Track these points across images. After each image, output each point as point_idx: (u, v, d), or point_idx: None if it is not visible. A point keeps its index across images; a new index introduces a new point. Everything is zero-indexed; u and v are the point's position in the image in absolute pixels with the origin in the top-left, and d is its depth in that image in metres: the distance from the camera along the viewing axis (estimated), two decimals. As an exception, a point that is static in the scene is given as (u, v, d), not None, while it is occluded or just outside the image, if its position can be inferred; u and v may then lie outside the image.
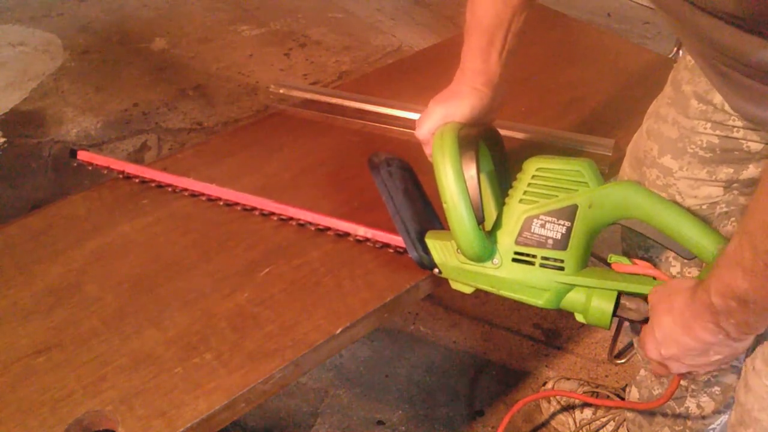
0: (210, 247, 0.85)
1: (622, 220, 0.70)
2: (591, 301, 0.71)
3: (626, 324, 0.88)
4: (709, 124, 0.76)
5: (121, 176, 0.94)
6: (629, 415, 1.12)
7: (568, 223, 0.70)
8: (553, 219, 0.70)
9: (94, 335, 0.74)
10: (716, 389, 0.96)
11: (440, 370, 1.38)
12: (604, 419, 1.21)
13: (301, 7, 2.63)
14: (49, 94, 2.15)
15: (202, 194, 0.90)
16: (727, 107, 0.74)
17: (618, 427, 1.19)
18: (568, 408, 1.25)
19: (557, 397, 1.27)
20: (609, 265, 0.73)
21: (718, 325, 0.59)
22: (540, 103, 1.09)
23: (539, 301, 0.73)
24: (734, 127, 0.75)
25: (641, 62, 1.19)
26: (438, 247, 0.76)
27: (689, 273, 0.85)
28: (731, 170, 0.78)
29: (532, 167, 0.71)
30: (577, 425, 1.23)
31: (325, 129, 1.05)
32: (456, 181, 0.70)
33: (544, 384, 1.32)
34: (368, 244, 0.83)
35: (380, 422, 1.29)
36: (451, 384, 1.35)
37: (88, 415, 0.67)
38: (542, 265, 0.71)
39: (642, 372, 1.08)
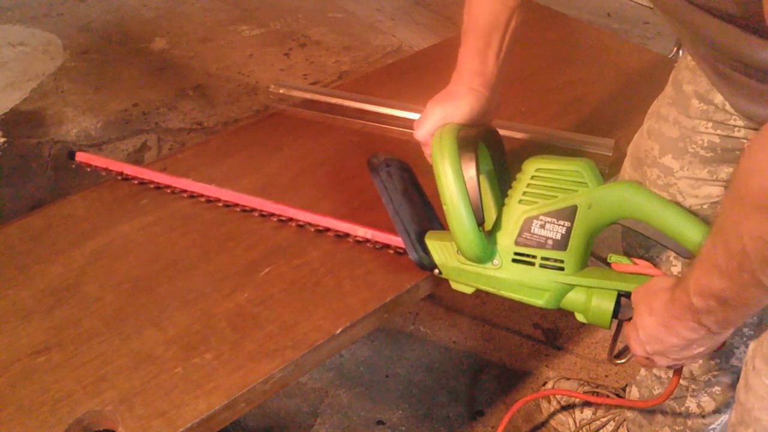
0: (210, 247, 0.85)
1: (621, 220, 0.70)
2: (591, 300, 0.71)
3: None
4: (710, 124, 0.76)
5: (119, 177, 0.94)
6: (629, 415, 1.12)
7: (567, 224, 0.70)
8: (553, 220, 0.70)
9: (94, 335, 0.74)
10: (716, 389, 0.96)
11: (440, 370, 1.38)
12: (604, 419, 1.21)
13: (301, 7, 2.63)
14: (49, 94, 2.15)
15: (201, 195, 0.90)
16: (728, 107, 0.74)
17: (618, 427, 1.19)
18: (568, 408, 1.25)
19: (557, 397, 1.27)
20: (609, 264, 0.73)
21: (699, 322, 0.59)
22: (540, 103, 1.09)
23: (539, 301, 0.73)
24: (735, 126, 0.75)
25: (641, 62, 1.19)
26: (438, 248, 0.76)
27: None
28: (732, 170, 0.78)
29: (532, 168, 0.71)
30: (577, 425, 1.23)
31: (325, 129, 1.05)
32: (456, 183, 0.70)
33: (544, 384, 1.32)
34: (368, 244, 0.83)
35: (380, 422, 1.29)
36: (451, 384, 1.35)
37: (88, 415, 0.67)
38: (542, 266, 0.71)
39: (642, 372, 1.08)
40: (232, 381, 0.69)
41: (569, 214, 0.69)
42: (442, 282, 0.80)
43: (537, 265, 0.72)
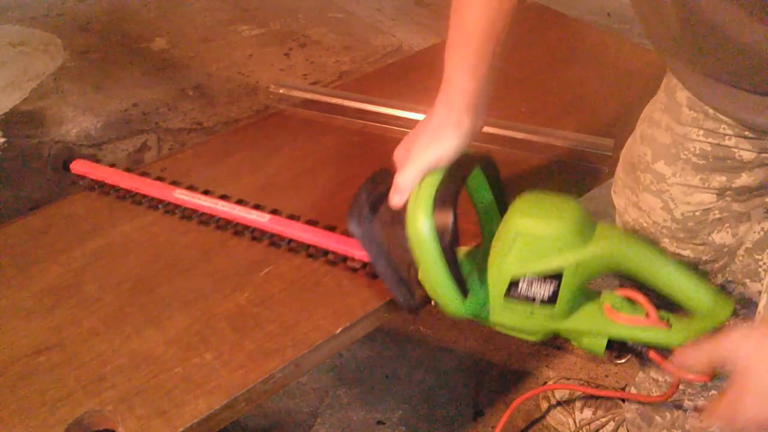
0: (210, 247, 0.85)
1: (612, 272, 0.69)
2: (582, 341, 0.73)
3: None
4: (701, 132, 0.75)
5: (114, 192, 0.92)
6: (628, 416, 1.12)
7: (555, 283, 0.68)
8: (540, 281, 0.68)
9: (94, 335, 0.74)
10: (714, 393, 0.96)
11: (440, 370, 1.38)
12: (603, 419, 1.21)
13: (301, 7, 2.63)
14: (49, 94, 2.15)
15: (195, 211, 0.88)
16: (717, 115, 0.73)
17: (618, 427, 1.19)
18: (568, 408, 1.25)
19: (557, 397, 1.27)
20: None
21: None
22: (540, 103, 1.09)
23: (532, 338, 0.74)
24: (726, 135, 0.73)
25: (641, 62, 1.19)
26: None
27: None
28: (724, 178, 0.76)
29: (514, 228, 0.68)
30: (577, 425, 1.23)
31: (325, 129, 1.05)
32: (436, 265, 0.67)
33: (544, 384, 1.32)
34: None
35: (380, 422, 1.29)
36: (451, 384, 1.35)
37: (88, 415, 0.67)
38: (532, 316, 0.71)
39: (641, 374, 1.08)
40: (232, 381, 0.69)
41: (556, 276, 0.68)
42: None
43: (527, 316, 0.71)
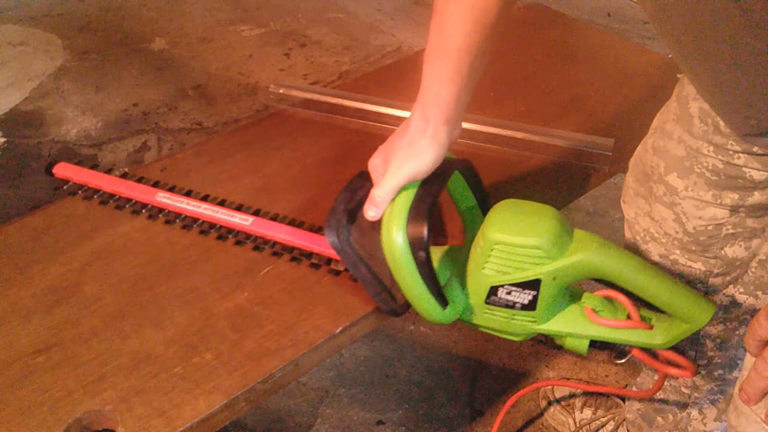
0: (210, 247, 0.85)
1: (590, 278, 0.70)
2: (565, 340, 0.74)
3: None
4: (711, 147, 0.74)
5: (96, 197, 0.92)
6: (629, 416, 1.12)
7: (533, 292, 0.69)
8: (518, 289, 0.69)
9: (94, 335, 0.74)
10: (719, 397, 0.96)
11: (440, 370, 1.38)
12: (603, 419, 1.21)
13: (301, 7, 2.63)
14: (49, 94, 2.15)
15: (180, 214, 0.88)
16: (724, 127, 0.72)
17: (617, 427, 1.19)
18: (568, 408, 1.25)
19: (557, 396, 1.27)
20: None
21: None
22: (540, 103, 1.09)
23: (516, 338, 0.75)
24: (734, 152, 0.72)
25: (641, 62, 1.19)
26: None
27: None
28: (736, 196, 0.75)
29: (491, 239, 0.68)
30: (577, 425, 1.23)
31: (325, 129, 1.05)
32: (412, 278, 0.68)
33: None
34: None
35: (380, 422, 1.29)
36: (451, 384, 1.35)
37: (88, 415, 0.67)
38: (513, 320, 0.72)
39: (642, 375, 1.08)
40: (232, 380, 0.69)
41: (533, 285, 0.68)
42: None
43: (509, 320, 0.72)
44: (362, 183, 0.73)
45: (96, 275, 0.81)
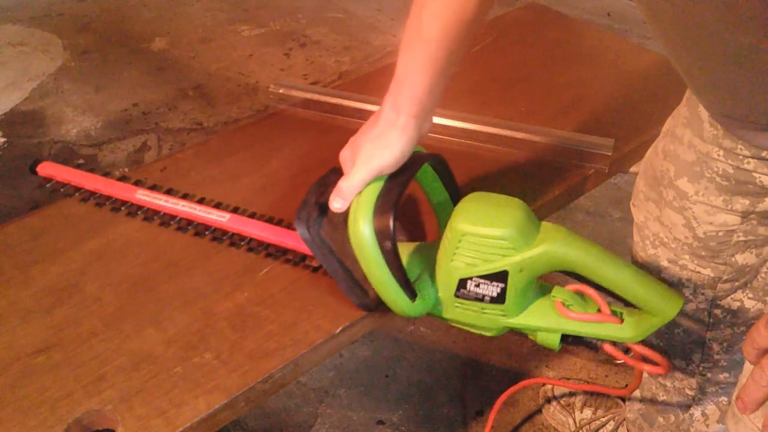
0: (210, 247, 0.85)
1: (558, 270, 0.70)
2: (537, 334, 0.74)
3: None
4: (721, 152, 0.73)
5: (78, 194, 0.92)
6: (630, 416, 1.12)
7: (502, 284, 0.69)
8: (486, 281, 0.69)
9: (93, 335, 0.74)
10: (723, 399, 0.96)
11: (440, 370, 1.38)
12: (603, 419, 1.21)
13: (301, 7, 2.63)
14: (49, 94, 2.16)
15: (157, 212, 0.88)
16: (737, 133, 0.71)
17: (617, 427, 1.19)
18: (568, 408, 1.25)
19: (557, 396, 1.27)
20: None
21: None
22: (540, 103, 1.09)
23: (489, 333, 0.75)
24: (744, 157, 0.71)
25: (641, 62, 1.19)
26: None
27: None
28: (747, 202, 0.74)
29: (458, 232, 0.69)
30: (577, 425, 1.23)
31: (325, 129, 1.05)
32: (379, 269, 0.68)
33: (544, 384, 1.32)
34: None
35: (380, 422, 1.29)
36: (451, 384, 1.35)
37: (88, 415, 0.67)
38: (484, 313, 0.72)
39: (645, 375, 1.07)
40: (232, 380, 0.69)
41: (501, 277, 0.69)
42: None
43: (479, 313, 0.72)
44: (335, 178, 0.74)
45: (96, 275, 0.81)
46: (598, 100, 1.10)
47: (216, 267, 0.82)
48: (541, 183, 0.94)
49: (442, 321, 0.76)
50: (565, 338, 0.74)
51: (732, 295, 0.81)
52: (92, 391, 0.68)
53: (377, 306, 0.75)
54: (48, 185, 0.93)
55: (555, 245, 0.67)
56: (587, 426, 1.22)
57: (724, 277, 0.80)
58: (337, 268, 0.73)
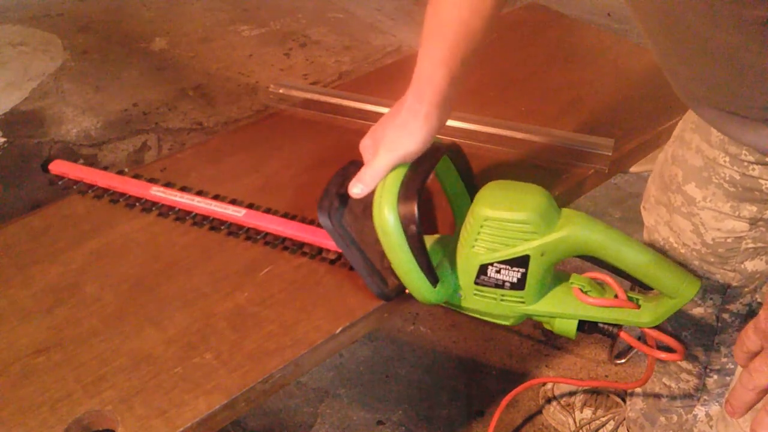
0: (210, 247, 0.85)
1: (578, 256, 0.70)
2: (554, 322, 0.75)
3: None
4: (727, 158, 0.72)
5: (91, 191, 0.92)
6: (632, 415, 1.12)
7: (522, 270, 0.70)
8: (507, 267, 0.70)
9: (93, 335, 0.74)
10: None
11: (440, 370, 1.38)
12: (603, 419, 1.21)
13: (301, 7, 2.63)
14: (49, 94, 2.16)
15: (172, 208, 0.89)
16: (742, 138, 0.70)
17: (618, 427, 1.19)
18: (568, 408, 1.25)
19: (557, 396, 1.27)
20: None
21: None
22: (540, 103, 1.09)
23: (506, 322, 0.75)
24: (749, 163, 0.71)
25: (641, 62, 1.19)
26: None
27: None
28: (755, 209, 0.73)
29: (480, 216, 0.69)
30: (577, 425, 1.23)
31: (325, 129, 1.05)
32: (403, 254, 0.69)
33: (544, 384, 1.32)
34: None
35: (380, 422, 1.29)
36: (451, 384, 1.35)
37: (88, 415, 0.67)
38: (503, 301, 0.73)
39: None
40: (232, 381, 0.69)
41: (522, 262, 0.69)
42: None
43: (498, 300, 0.73)
44: (354, 169, 0.75)
45: (96, 275, 0.81)
46: (598, 100, 1.10)
47: (216, 267, 0.82)
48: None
49: (458, 311, 0.77)
50: (582, 327, 0.74)
51: (741, 300, 0.81)
52: (92, 391, 0.68)
53: (396, 295, 0.76)
54: (60, 182, 0.94)
55: (576, 229, 0.67)
56: (587, 426, 1.22)
57: (734, 284, 0.79)
58: (357, 257, 0.74)
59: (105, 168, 0.95)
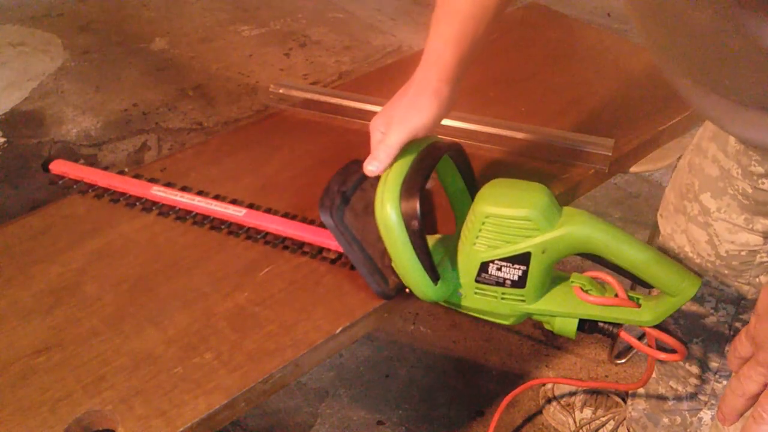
0: (210, 247, 0.85)
1: (579, 253, 0.70)
2: (555, 323, 0.75)
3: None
4: (740, 169, 0.71)
5: (92, 191, 0.92)
6: (634, 414, 1.12)
7: (523, 267, 0.70)
8: (508, 264, 0.70)
9: (94, 335, 0.74)
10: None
11: (440, 370, 1.38)
12: (603, 419, 1.21)
13: (301, 7, 2.63)
14: (49, 94, 2.16)
15: (173, 207, 0.89)
16: (750, 149, 0.69)
17: (618, 426, 1.19)
18: (568, 408, 1.25)
19: (557, 396, 1.27)
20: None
21: None
22: (540, 103, 1.09)
23: (506, 322, 0.75)
24: (758, 176, 0.70)
25: (641, 62, 1.19)
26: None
27: None
28: None
29: (482, 213, 0.69)
30: (577, 425, 1.23)
31: (325, 129, 1.05)
32: (405, 250, 0.69)
33: (544, 384, 1.32)
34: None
35: (380, 422, 1.29)
36: (451, 384, 1.35)
37: (88, 415, 0.67)
38: (503, 299, 0.73)
39: (654, 374, 1.07)
40: (232, 381, 0.69)
41: (524, 259, 0.69)
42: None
43: (499, 299, 0.73)
44: (356, 168, 0.75)
45: (96, 275, 0.81)
46: (598, 100, 1.10)
47: (216, 267, 0.82)
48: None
49: (459, 311, 0.77)
50: (582, 327, 0.74)
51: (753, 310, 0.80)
52: (92, 392, 0.68)
53: (396, 294, 0.76)
54: (60, 182, 0.94)
55: (577, 226, 0.68)
56: (587, 426, 1.22)
57: (749, 297, 0.79)
58: (359, 255, 0.75)
59: (105, 168, 0.95)
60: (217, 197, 0.90)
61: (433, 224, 0.87)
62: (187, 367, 0.71)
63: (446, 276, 0.73)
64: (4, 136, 1.98)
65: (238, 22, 2.53)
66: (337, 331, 0.75)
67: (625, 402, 1.22)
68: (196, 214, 0.88)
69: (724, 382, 0.92)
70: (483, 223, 0.69)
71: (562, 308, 0.73)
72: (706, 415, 0.98)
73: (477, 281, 0.72)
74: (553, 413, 1.27)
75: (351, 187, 0.75)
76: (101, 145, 1.95)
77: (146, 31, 2.47)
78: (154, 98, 2.14)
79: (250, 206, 0.88)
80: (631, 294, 0.73)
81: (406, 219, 0.68)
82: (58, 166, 0.94)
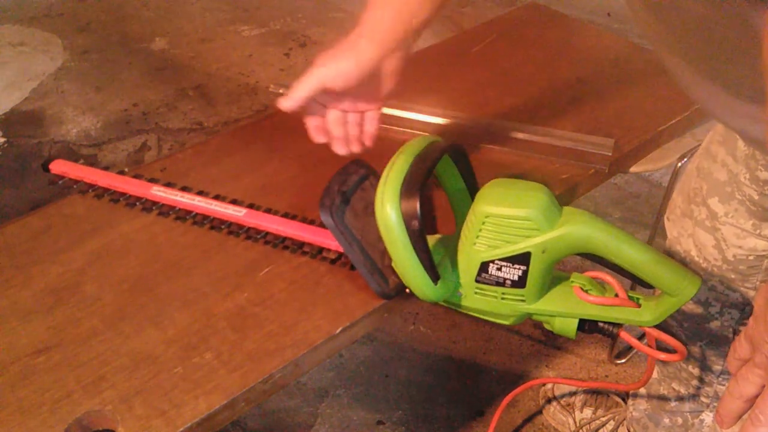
0: (210, 247, 0.85)
1: (579, 253, 0.70)
2: (555, 322, 0.75)
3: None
4: (748, 174, 0.71)
5: (92, 191, 0.92)
6: (635, 414, 1.12)
7: (523, 267, 0.70)
8: (508, 264, 0.70)
9: (93, 335, 0.74)
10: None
11: (440, 370, 1.38)
12: (603, 419, 1.21)
13: (301, 7, 2.63)
14: (49, 94, 2.16)
15: (173, 207, 0.89)
16: (758, 154, 0.69)
17: (618, 426, 1.19)
18: (568, 408, 1.25)
19: (557, 396, 1.27)
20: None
21: None
22: (540, 103, 1.09)
23: (506, 322, 0.75)
24: (764, 182, 0.69)
25: (641, 62, 1.19)
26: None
27: None
28: None
29: (482, 213, 0.69)
30: (577, 425, 1.23)
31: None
32: (405, 250, 0.69)
33: (544, 384, 1.32)
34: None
35: (380, 422, 1.29)
36: (451, 384, 1.35)
37: (88, 415, 0.67)
38: (503, 299, 0.73)
39: (655, 374, 1.07)
40: (232, 381, 0.69)
41: (524, 259, 0.69)
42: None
43: (499, 299, 0.73)
44: (356, 168, 0.76)
45: (96, 275, 0.81)
46: (598, 100, 1.10)
47: (216, 267, 0.82)
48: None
49: (459, 311, 0.77)
50: (582, 327, 0.74)
51: None
52: (92, 391, 0.68)
53: (396, 294, 0.76)
54: (60, 182, 0.94)
55: (578, 226, 0.68)
56: (587, 426, 1.22)
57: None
58: (359, 255, 0.75)
59: (105, 168, 0.95)
60: (217, 197, 0.90)
61: (433, 224, 0.87)
62: (187, 367, 0.71)
63: (446, 276, 0.73)
64: (4, 136, 1.98)
65: (238, 22, 2.53)
66: (337, 331, 0.75)
67: (625, 402, 1.22)
68: (196, 214, 0.88)
69: (726, 384, 0.92)
70: (483, 223, 0.69)
71: (562, 308, 0.73)
72: (708, 417, 0.98)
73: (477, 281, 0.72)
74: (553, 413, 1.27)
75: (351, 187, 0.76)
76: (101, 145, 1.95)
77: (146, 31, 2.47)
78: (154, 98, 2.14)
79: (250, 206, 0.88)
80: (631, 294, 0.73)
81: (406, 219, 0.68)
82: (58, 166, 0.94)
